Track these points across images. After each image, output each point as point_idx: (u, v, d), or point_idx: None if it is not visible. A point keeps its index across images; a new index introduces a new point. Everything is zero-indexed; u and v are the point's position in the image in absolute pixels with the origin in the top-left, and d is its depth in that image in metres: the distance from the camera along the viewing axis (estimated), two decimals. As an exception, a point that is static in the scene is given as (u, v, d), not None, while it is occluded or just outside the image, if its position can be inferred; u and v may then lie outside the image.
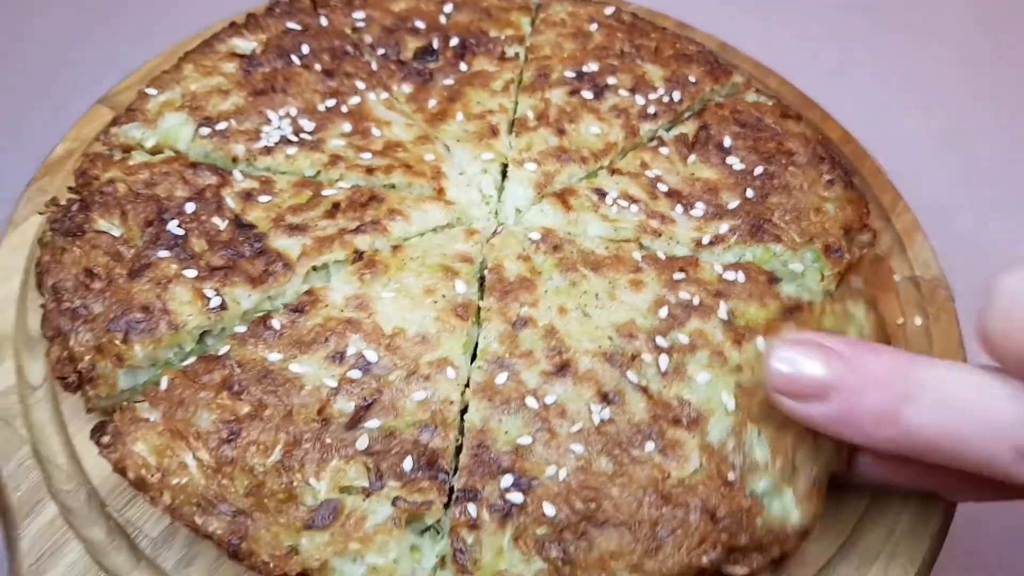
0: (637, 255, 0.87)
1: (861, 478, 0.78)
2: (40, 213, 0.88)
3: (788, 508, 0.74)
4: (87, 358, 0.77)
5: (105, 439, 0.73)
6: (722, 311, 0.82)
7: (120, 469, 0.72)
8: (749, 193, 0.93)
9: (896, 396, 0.62)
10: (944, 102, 1.48)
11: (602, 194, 0.92)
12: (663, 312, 0.82)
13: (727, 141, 0.98)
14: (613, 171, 0.95)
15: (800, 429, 0.75)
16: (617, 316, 0.82)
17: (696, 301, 0.83)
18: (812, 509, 0.74)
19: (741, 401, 0.77)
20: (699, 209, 0.92)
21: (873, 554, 0.80)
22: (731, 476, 0.75)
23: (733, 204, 0.92)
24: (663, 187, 0.93)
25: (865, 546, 0.81)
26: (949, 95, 1.49)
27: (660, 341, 0.80)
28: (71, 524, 0.77)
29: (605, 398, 0.78)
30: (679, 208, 0.92)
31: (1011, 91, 1.50)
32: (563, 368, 0.79)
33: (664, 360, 0.79)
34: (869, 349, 0.66)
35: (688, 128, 1.00)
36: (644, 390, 0.78)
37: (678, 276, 0.85)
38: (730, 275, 0.86)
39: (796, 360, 0.67)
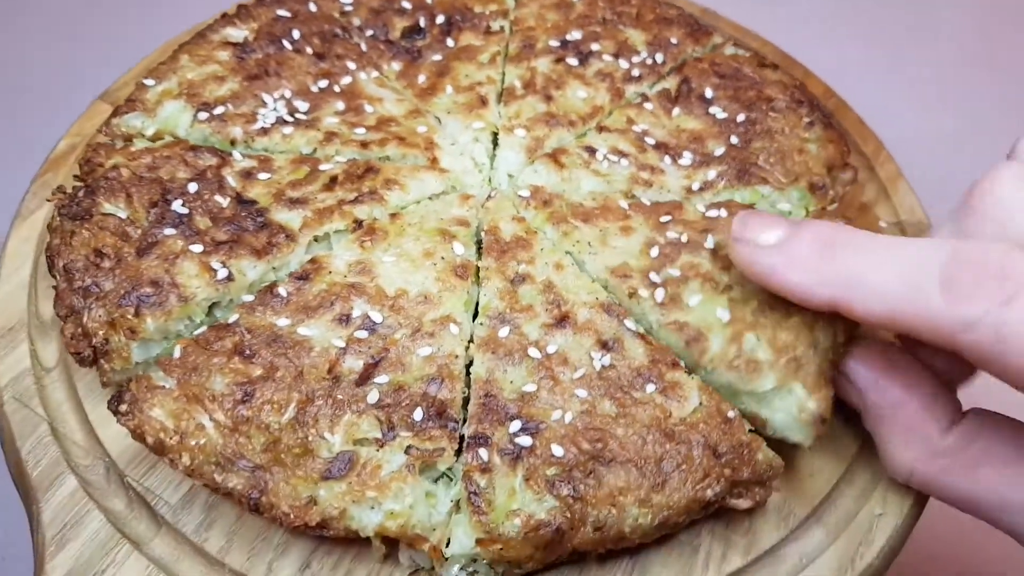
0: (624, 203, 0.90)
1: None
2: (48, 200, 0.90)
3: (801, 400, 0.76)
4: (101, 333, 0.79)
5: (123, 407, 0.75)
6: (709, 243, 0.85)
7: (139, 435, 0.75)
8: (733, 140, 0.97)
9: (827, 243, 0.71)
10: (928, 57, 1.50)
11: (592, 151, 0.95)
12: (654, 252, 0.85)
13: (708, 92, 1.01)
14: (601, 129, 0.98)
15: (795, 327, 0.78)
16: (611, 260, 0.85)
17: (684, 239, 0.86)
18: (824, 396, 0.77)
19: (735, 313, 0.80)
20: (687, 158, 0.94)
21: (871, 485, 0.83)
22: (731, 414, 0.77)
23: (719, 151, 0.95)
24: (650, 140, 0.96)
25: (864, 478, 0.83)
26: (932, 51, 1.52)
27: (654, 277, 0.83)
28: (91, 496, 0.78)
29: (605, 346, 0.80)
30: (667, 159, 0.95)
31: (995, 47, 1.52)
32: (563, 320, 0.81)
33: (660, 293, 0.82)
34: (815, 220, 0.76)
35: (670, 83, 1.03)
36: (642, 337, 0.81)
37: (665, 219, 0.88)
38: (713, 212, 0.89)
39: (754, 216, 0.76)
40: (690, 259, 0.84)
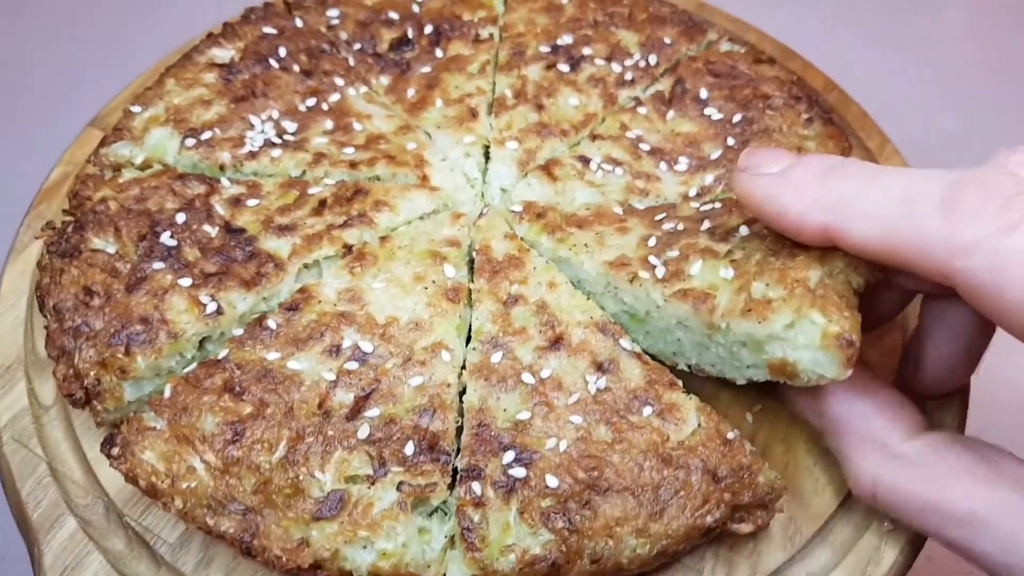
0: (618, 209, 0.88)
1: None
2: (37, 237, 0.90)
3: (822, 326, 0.69)
4: (92, 374, 0.79)
5: (115, 451, 0.75)
6: (705, 226, 0.83)
7: (131, 479, 0.74)
8: (730, 141, 0.94)
9: (828, 168, 0.69)
10: (928, 57, 1.47)
11: (585, 161, 0.93)
12: (652, 242, 0.83)
13: (703, 93, 0.98)
14: (594, 136, 0.96)
15: (804, 262, 0.73)
16: (608, 256, 0.83)
17: (680, 227, 0.84)
18: (848, 317, 0.69)
19: (739, 269, 0.76)
20: (683, 164, 0.92)
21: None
22: (731, 435, 0.75)
23: (715, 154, 0.93)
24: (645, 146, 0.94)
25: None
26: (933, 51, 1.48)
27: (653, 260, 0.81)
28: (91, 537, 0.79)
29: (600, 367, 0.78)
30: (663, 165, 0.93)
31: (995, 47, 1.48)
32: (557, 342, 0.80)
33: (661, 271, 0.79)
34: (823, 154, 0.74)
35: (663, 85, 1.01)
36: (638, 356, 0.79)
37: (660, 216, 0.86)
38: (706, 207, 0.87)
39: (762, 148, 0.76)
40: (688, 240, 0.82)
